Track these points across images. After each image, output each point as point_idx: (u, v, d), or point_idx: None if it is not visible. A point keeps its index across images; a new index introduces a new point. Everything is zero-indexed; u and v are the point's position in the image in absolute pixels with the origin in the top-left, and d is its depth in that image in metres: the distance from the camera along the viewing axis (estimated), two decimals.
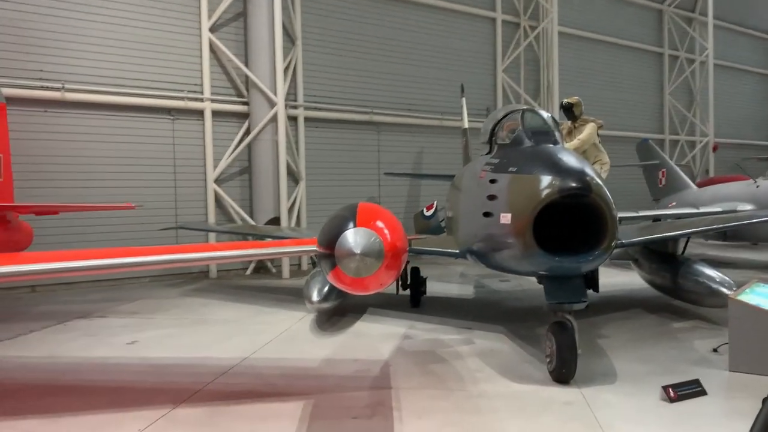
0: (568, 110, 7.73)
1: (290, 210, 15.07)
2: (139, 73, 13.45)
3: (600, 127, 7.74)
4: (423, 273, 10.72)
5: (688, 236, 9.41)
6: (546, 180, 5.68)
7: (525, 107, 7.55)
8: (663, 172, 18.90)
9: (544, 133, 6.89)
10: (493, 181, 6.57)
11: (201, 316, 9.67)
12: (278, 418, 5.12)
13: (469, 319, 9.10)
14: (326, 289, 8.61)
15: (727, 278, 8.38)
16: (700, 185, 19.03)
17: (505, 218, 6.00)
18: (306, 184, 15.60)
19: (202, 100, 14.19)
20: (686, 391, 5.57)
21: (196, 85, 14.22)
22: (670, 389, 5.52)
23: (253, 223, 14.40)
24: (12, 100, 11.73)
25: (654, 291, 10.13)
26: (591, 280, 10.14)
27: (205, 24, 14.07)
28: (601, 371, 6.41)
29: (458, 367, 6.66)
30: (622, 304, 10.10)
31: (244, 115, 14.67)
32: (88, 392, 5.87)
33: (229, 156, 14.40)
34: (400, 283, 10.54)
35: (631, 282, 11.47)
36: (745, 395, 5.57)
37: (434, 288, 11.68)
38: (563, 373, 5.94)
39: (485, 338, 7.96)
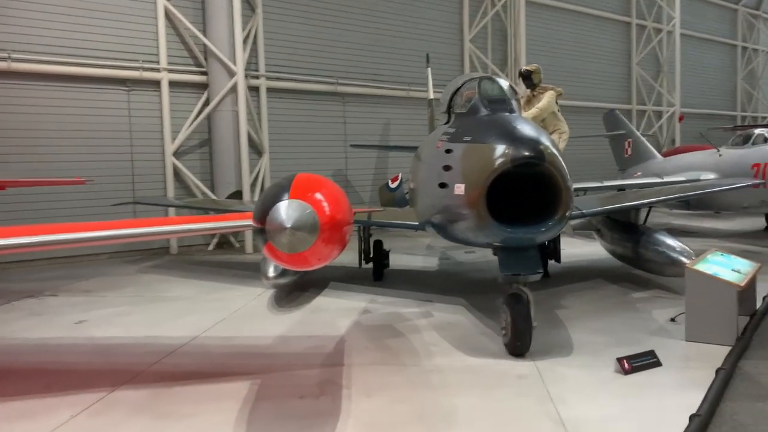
0: (527, 78, 7.53)
1: (253, 183, 14.75)
2: (91, 42, 12.87)
3: (559, 95, 7.56)
4: (388, 246, 10.56)
5: (650, 206, 9.36)
6: (499, 149, 5.50)
7: (482, 75, 7.33)
8: (629, 142, 18.93)
9: (500, 102, 6.69)
10: (448, 151, 6.37)
11: (156, 293, 9.40)
12: (221, 399, 4.93)
13: (431, 291, 8.97)
14: None
15: (687, 247, 8.37)
16: (665, 155, 19.14)
17: (459, 189, 5.82)
18: (270, 156, 15.23)
19: (158, 70, 13.68)
20: (641, 362, 5.51)
21: (152, 54, 13.68)
22: (625, 361, 5.45)
23: (214, 197, 14.06)
24: None
25: (616, 261, 10.12)
26: (553, 251, 10.12)
27: None
28: (557, 343, 6.33)
29: (414, 342, 6.53)
30: (584, 275, 10.06)
31: (203, 86, 14.20)
32: (23, 376, 5.61)
33: (188, 128, 13.96)
34: (362, 256, 10.38)
35: (594, 252, 11.45)
36: (699, 365, 5.52)
37: (399, 261, 11.56)
38: (518, 346, 5.84)
39: (445, 311, 7.85)
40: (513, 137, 5.53)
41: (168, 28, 13.80)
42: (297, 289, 9.18)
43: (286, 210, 3.72)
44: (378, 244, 10.19)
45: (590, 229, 11.13)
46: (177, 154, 14.00)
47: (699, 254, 7.36)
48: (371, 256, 10.23)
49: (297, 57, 15.79)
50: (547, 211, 5.64)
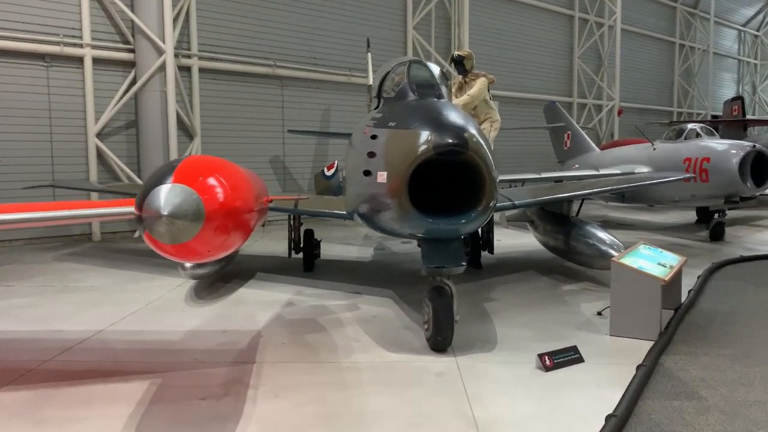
0: (459, 63, 7.26)
1: None
2: (7, 14, 12.03)
3: (491, 82, 7.33)
4: (320, 236, 10.23)
5: (581, 198, 9.30)
6: (423, 136, 5.21)
7: (412, 59, 7.05)
8: (568, 134, 19.03)
9: (429, 86, 6.42)
10: (373, 137, 6.06)
11: (68, 283, 8.81)
12: (113, 401, 4.52)
13: (361, 283, 8.69)
14: None
15: (617, 240, 8.32)
16: (604, 148, 19.34)
17: (382, 177, 5.52)
18: (201, 140, 14.64)
19: (81, 45, 12.91)
20: (563, 358, 5.36)
21: (74, 29, 12.89)
22: (546, 357, 5.28)
23: (139, 181, 13.38)
24: None
25: (549, 253, 10.04)
26: (486, 242, 9.97)
27: None
28: (482, 337, 6.14)
29: (335, 337, 6.23)
30: (517, 267, 9.96)
31: (131, 64, 13.47)
32: None
33: (113, 108, 13.24)
34: (292, 246, 10.01)
35: (528, 244, 11.38)
36: (621, 361, 5.40)
37: (332, 251, 11.26)
38: (439, 341, 5.61)
39: (372, 303, 7.59)
40: (437, 124, 5.25)
41: (92, 2, 13.02)
42: (220, 280, 8.76)
43: (165, 195, 3.32)
44: (309, 233, 9.82)
45: (525, 221, 11.04)
46: (101, 135, 13.28)
47: (629, 247, 7.31)
48: (301, 246, 9.87)
49: (233, 37, 15.20)
50: (470, 202, 5.40)
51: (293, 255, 9.95)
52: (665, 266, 6.49)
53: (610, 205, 17.72)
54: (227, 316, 7.03)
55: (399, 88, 6.60)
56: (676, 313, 6.83)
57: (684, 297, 7.44)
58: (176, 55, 13.99)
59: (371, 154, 5.90)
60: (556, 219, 9.66)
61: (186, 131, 14.46)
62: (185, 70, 14.43)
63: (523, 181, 14.78)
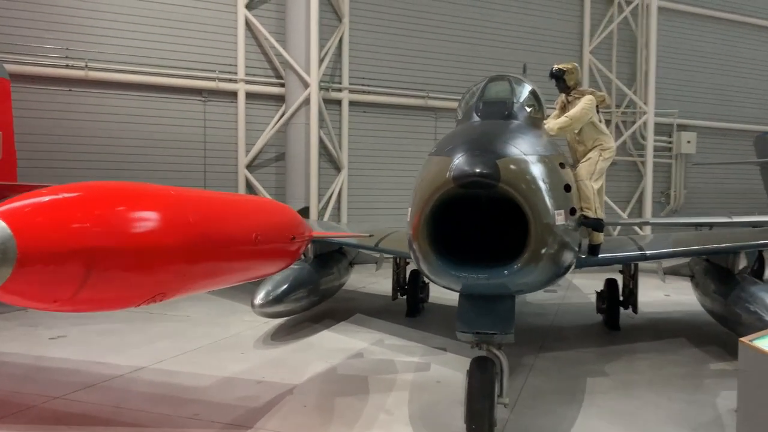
0: (559, 79, 5.87)
1: (329, 200, 14.05)
2: (169, 53, 12.91)
3: (602, 102, 5.83)
4: None
5: (741, 250, 7.22)
6: (446, 164, 4.07)
7: (498, 74, 5.87)
8: None
9: (498, 104, 5.23)
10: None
11: (167, 311, 8.77)
12: None
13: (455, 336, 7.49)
14: (281, 289, 7.41)
15: None
16: None
17: (409, 214, 4.47)
18: (348, 173, 14.44)
19: (236, 81, 13.44)
20: None
21: (230, 65, 13.48)
22: None
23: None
24: (35, 79, 11.68)
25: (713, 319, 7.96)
26: (628, 297, 8.22)
27: (242, 0, 13.29)
28: (545, 430, 4.69)
29: (370, 404, 5.20)
30: (664, 332, 8.04)
31: (282, 98, 13.72)
32: None
33: (263, 140, 13.55)
34: (396, 287, 9.15)
35: (693, 303, 9.21)
36: None
37: (449, 293, 10.11)
38: (474, 430, 4.32)
39: (448, 364, 6.42)
40: (467, 148, 4.09)
41: (247, 39, 13.55)
42: (310, 320, 8.20)
43: None
44: (414, 274, 8.86)
45: (686, 275, 8.97)
46: (251, 167, 13.65)
47: None
48: (406, 287, 8.95)
49: (385, 69, 14.87)
50: (514, 252, 4.10)
51: (398, 297, 9.07)
52: None
53: None
54: (278, 364, 6.33)
55: (468, 107, 5.50)
56: None
57: None
58: (327, 89, 14.04)
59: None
60: (718, 275, 7.62)
61: (333, 164, 14.37)
62: (336, 103, 14.39)
63: (711, 225, 12.38)
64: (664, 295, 10.46)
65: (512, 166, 4.04)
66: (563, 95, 6.15)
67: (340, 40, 14.24)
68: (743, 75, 19.42)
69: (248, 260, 4.19)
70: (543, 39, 16.66)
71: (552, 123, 5.73)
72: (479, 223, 4.43)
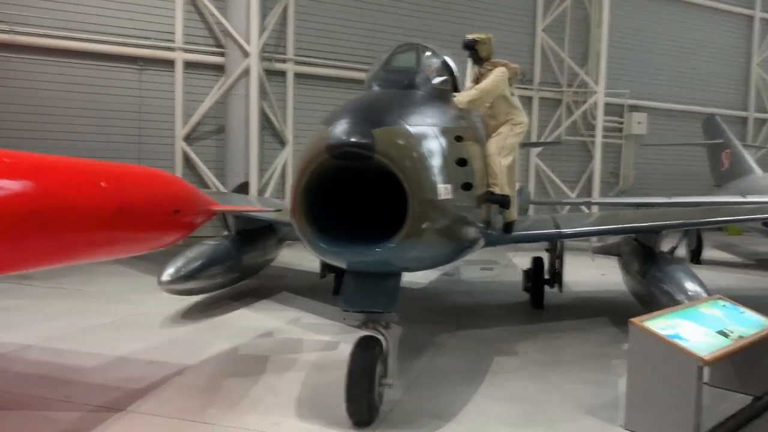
0: (471, 49, 5.63)
1: (272, 176, 13.70)
2: (101, 18, 12.33)
3: (515, 74, 5.61)
4: None
5: (656, 229, 7.15)
6: (324, 134, 3.82)
7: (410, 43, 5.62)
8: (726, 153, 15.88)
9: (400, 73, 5.00)
10: None
11: (82, 286, 8.50)
12: None
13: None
14: (194, 265, 7.11)
15: (703, 290, 6.11)
16: None
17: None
18: (294, 147, 14.07)
19: (173, 49, 12.93)
20: None
21: (167, 32, 12.95)
22: None
23: (222, 188, 13.06)
24: None
25: None
26: (553, 276, 8.12)
27: None
28: (435, 412, 4.52)
29: (260, 386, 4.98)
30: (588, 311, 7.97)
31: (222, 68, 13.25)
32: None
33: (202, 112, 13.09)
34: (324, 264, 8.90)
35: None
36: None
37: None
38: (353, 414, 4.13)
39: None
40: (346, 117, 3.84)
41: (186, 5, 13.01)
42: (230, 297, 7.93)
43: None
44: None
45: (615, 254, 8.90)
46: (190, 139, 13.21)
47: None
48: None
49: (333, 41, 14.45)
50: (392, 228, 3.88)
51: (327, 274, 8.85)
52: (729, 335, 4.42)
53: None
54: (178, 344, 6.08)
55: (370, 77, 5.25)
56: (757, 401, 4.68)
57: None
58: (270, 60, 13.62)
59: None
60: (641, 255, 7.55)
61: (278, 137, 14.00)
62: (280, 75, 13.99)
63: (652, 206, 12.39)
64: (601, 274, 10.41)
65: (391, 137, 3.81)
66: (476, 67, 5.91)
67: (285, 9, 13.77)
68: (695, 57, 19.50)
69: (110, 234, 3.90)
70: (495, 15, 16.40)
71: (461, 96, 5.49)
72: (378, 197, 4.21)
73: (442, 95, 5.26)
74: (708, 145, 16.60)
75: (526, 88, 16.81)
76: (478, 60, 5.83)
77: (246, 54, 12.67)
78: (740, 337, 4.45)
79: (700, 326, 4.45)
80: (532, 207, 15.98)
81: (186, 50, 13.03)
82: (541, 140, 16.86)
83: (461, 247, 4.96)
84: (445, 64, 5.60)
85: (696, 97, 19.45)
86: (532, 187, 16.95)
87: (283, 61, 13.96)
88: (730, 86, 20.52)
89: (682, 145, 18.14)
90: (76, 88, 12.22)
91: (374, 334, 4.27)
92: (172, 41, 12.92)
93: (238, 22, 12.74)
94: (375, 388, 4.09)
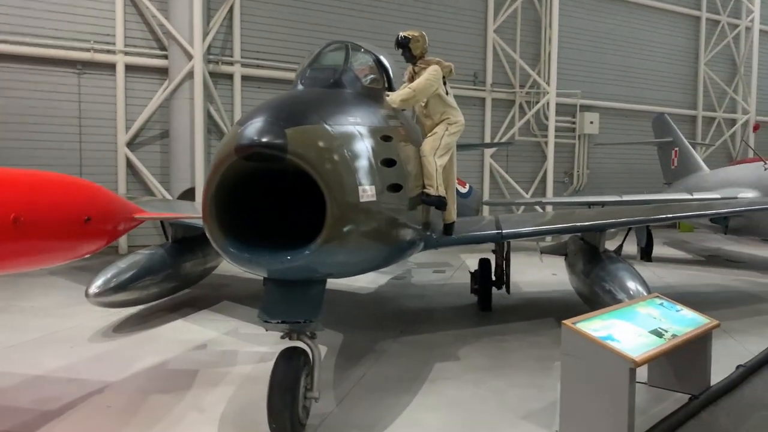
0: (404, 47, 5.46)
1: None
2: (38, 21, 11.86)
3: (449, 72, 5.46)
4: None
5: (605, 228, 7.11)
6: (235, 135, 3.61)
7: (340, 41, 5.43)
8: (675, 151, 16.12)
9: (326, 71, 4.81)
10: None
11: (12, 301, 8.06)
12: None
13: (331, 323, 7.05)
14: (125, 276, 6.80)
15: (643, 288, 6.06)
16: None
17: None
18: None
19: (114, 52, 12.51)
20: None
21: (108, 35, 12.54)
22: None
23: (167, 195, 12.68)
24: None
25: None
26: (500, 278, 8.01)
27: None
28: (367, 423, 4.33)
29: (184, 403, 4.73)
30: (534, 312, 7.88)
31: (166, 71, 12.87)
32: None
33: (144, 117, 12.69)
34: None
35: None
36: None
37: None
38: (275, 429, 3.91)
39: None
40: (258, 116, 3.63)
41: (128, 7, 12.62)
42: (166, 309, 7.62)
43: None
44: None
45: (562, 254, 8.85)
46: (133, 145, 12.79)
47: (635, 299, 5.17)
48: None
49: (281, 42, 14.16)
50: (312, 233, 3.68)
51: None
52: (663, 335, 4.33)
53: (731, 238, 14.56)
54: (105, 359, 5.77)
55: (296, 75, 5.04)
56: (692, 401, 4.61)
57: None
58: (216, 62, 13.33)
59: None
60: (586, 254, 7.49)
61: None
62: (227, 78, 13.66)
63: (603, 204, 12.47)
64: (552, 274, 10.37)
65: (307, 137, 3.61)
66: (411, 66, 5.75)
67: (231, 10, 13.47)
68: (645, 57, 19.78)
69: (8, 246, 3.61)
70: (446, 16, 16.36)
71: (394, 95, 5.32)
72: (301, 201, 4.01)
73: (372, 94, 5.08)
74: (658, 143, 16.85)
75: (478, 89, 16.83)
76: (411, 58, 5.66)
77: (189, 56, 12.34)
78: (674, 336, 4.37)
79: (635, 326, 4.36)
80: (486, 208, 16.01)
81: (127, 53, 12.63)
82: (495, 141, 16.87)
83: (394, 251, 4.79)
84: (379, 63, 5.43)
85: (646, 96, 19.75)
86: (486, 188, 16.95)
87: (230, 63, 13.65)
88: (679, 85, 20.88)
89: (634, 144, 18.36)
90: (11, 93, 11.73)
91: (299, 345, 4.07)
92: (113, 44, 12.51)
93: (181, 24, 12.40)
94: (299, 402, 3.89)
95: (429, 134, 5.52)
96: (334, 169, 3.66)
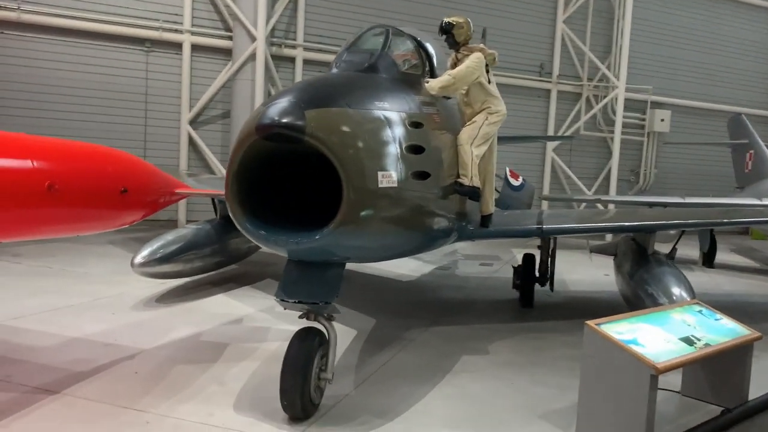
0: (447, 33, 5.34)
1: None
2: None
3: (494, 60, 5.31)
4: None
5: (648, 229, 6.81)
6: (257, 114, 3.64)
7: (382, 25, 5.39)
8: (750, 154, 15.26)
9: (362, 55, 4.77)
10: None
11: (67, 266, 8.51)
12: None
13: (364, 307, 7.10)
14: (171, 249, 7.03)
15: (687, 293, 5.78)
16: None
17: None
18: None
19: (181, 31, 12.87)
20: None
21: (176, 15, 12.90)
22: None
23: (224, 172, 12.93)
24: None
25: None
26: (543, 275, 7.83)
27: None
28: (381, 409, 4.33)
29: (209, 374, 4.84)
30: (576, 312, 7.59)
31: (230, 52, 13.13)
32: None
33: (208, 96, 13.02)
34: None
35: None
36: None
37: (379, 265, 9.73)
38: (286, 407, 3.97)
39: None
40: (282, 98, 3.65)
41: None
42: (210, 283, 7.83)
43: None
44: None
45: (612, 254, 8.55)
46: (195, 123, 13.15)
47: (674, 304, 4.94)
48: None
49: (343, 26, 14.14)
50: (329, 215, 3.68)
51: None
52: (695, 343, 4.13)
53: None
54: (141, 327, 5.97)
55: (335, 59, 5.03)
56: (724, 414, 4.38)
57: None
58: (279, 45, 13.50)
59: None
60: (635, 255, 7.21)
61: None
62: (290, 61, 13.84)
63: (665, 205, 11.97)
64: (604, 274, 10.06)
65: (327, 119, 3.61)
66: (454, 53, 5.65)
67: None
68: (724, 53, 18.75)
69: (43, 212, 3.77)
70: (515, 4, 16.00)
71: (434, 82, 5.25)
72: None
73: (409, 80, 5.02)
74: (732, 145, 16.01)
75: (544, 81, 16.43)
76: (455, 45, 5.56)
77: (253, 38, 12.54)
78: (707, 345, 4.16)
79: (664, 332, 4.17)
80: (545, 203, 15.63)
81: (194, 33, 12.96)
82: (559, 134, 16.45)
83: (421, 239, 4.74)
84: (421, 49, 5.36)
85: (722, 95, 18.74)
86: (546, 183, 16.57)
87: (293, 47, 13.80)
88: (758, 84, 19.73)
89: (706, 145, 17.53)
90: (82, 68, 12.25)
91: (315, 326, 4.10)
92: (181, 24, 12.85)
93: (246, 6, 12.61)
94: (310, 382, 3.92)
95: (468, 123, 5.43)
96: (352, 152, 3.65)
